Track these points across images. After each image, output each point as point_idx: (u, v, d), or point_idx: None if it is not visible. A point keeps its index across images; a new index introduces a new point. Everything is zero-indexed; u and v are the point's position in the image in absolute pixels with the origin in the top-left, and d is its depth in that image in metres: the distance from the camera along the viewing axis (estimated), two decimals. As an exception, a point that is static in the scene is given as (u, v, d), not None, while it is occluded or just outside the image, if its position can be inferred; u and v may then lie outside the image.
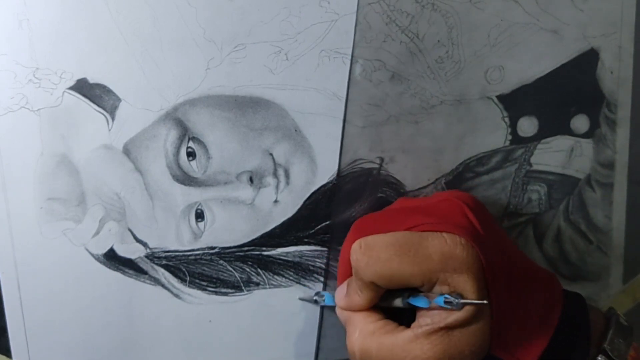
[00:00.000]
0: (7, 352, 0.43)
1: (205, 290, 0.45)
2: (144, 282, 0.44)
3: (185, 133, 0.43)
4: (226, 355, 0.46)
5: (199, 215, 0.44)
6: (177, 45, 0.42)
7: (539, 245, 0.49)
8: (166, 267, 0.44)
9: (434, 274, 0.35)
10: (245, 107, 0.44)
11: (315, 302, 0.45)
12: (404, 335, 0.36)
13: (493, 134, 0.47)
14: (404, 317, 0.38)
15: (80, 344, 0.44)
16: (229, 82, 0.43)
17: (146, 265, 0.44)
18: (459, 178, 0.47)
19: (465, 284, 0.35)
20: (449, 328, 0.35)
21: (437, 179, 0.47)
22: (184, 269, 0.44)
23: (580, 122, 0.48)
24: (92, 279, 0.43)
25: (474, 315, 0.35)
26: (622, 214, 0.50)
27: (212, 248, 0.45)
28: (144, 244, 0.44)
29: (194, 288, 0.45)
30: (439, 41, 0.45)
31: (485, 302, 0.35)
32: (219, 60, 0.43)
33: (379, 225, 0.39)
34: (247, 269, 0.45)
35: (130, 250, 0.44)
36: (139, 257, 0.44)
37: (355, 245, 0.37)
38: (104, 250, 0.43)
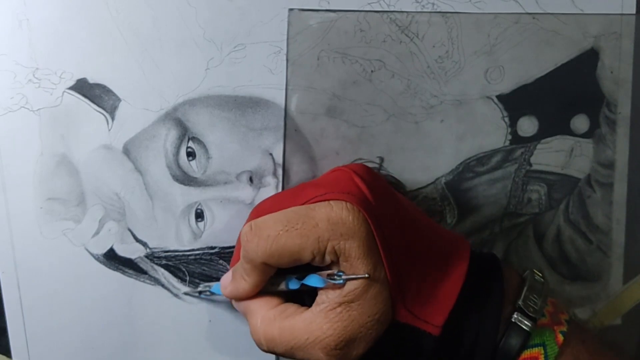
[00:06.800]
0: (7, 352, 0.43)
1: (205, 290, 0.45)
2: (143, 282, 0.44)
3: (185, 133, 0.43)
4: (226, 355, 0.46)
5: (199, 215, 0.44)
6: (177, 45, 0.42)
7: (539, 245, 0.49)
8: (166, 267, 0.44)
9: (323, 243, 0.35)
10: (245, 107, 0.44)
11: (199, 294, 0.44)
12: (303, 317, 0.36)
13: (493, 133, 0.47)
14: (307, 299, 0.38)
15: (80, 343, 0.44)
16: (228, 82, 0.43)
17: (146, 265, 0.44)
18: (459, 178, 0.47)
19: (353, 249, 0.35)
20: (346, 302, 0.35)
21: (436, 179, 0.47)
22: (183, 269, 0.44)
23: (580, 122, 0.48)
24: (92, 279, 0.43)
25: (367, 283, 0.35)
26: (622, 214, 0.50)
27: (212, 248, 0.45)
28: (144, 244, 0.44)
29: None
30: (439, 41, 0.45)
31: (366, 275, 0.34)
32: (218, 60, 0.43)
33: (275, 206, 0.39)
34: (247, 269, 0.45)
35: (130, 250, 0.44)
36: (139, 257, 0.44)
37: (246, 227, 0.37)
38: (104, 250, 0.43)
